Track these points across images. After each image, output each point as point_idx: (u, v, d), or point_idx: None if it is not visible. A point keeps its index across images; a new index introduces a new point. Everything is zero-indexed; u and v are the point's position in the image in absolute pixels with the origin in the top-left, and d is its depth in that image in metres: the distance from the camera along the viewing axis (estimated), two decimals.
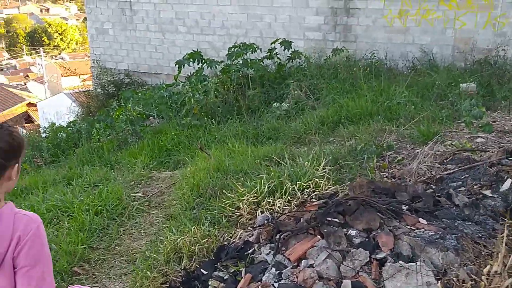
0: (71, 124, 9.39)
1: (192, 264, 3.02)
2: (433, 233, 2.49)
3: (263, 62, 8.63)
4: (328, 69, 8.10)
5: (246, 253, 2.88)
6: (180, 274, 2.97)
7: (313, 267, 2.34)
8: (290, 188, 3.45)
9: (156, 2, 11.39)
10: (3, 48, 54.30)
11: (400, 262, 2.27)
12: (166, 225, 3.68)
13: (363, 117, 5.68)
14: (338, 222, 2.59)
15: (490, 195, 3.01)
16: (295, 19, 10.00)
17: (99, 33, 12.46)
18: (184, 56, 8.76)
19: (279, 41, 8.83)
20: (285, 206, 3.32)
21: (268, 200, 3.40)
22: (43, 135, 9.60)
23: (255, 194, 3.50)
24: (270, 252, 2.71)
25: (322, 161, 3.77)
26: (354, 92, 6.69)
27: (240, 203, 3.49)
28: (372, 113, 5.75)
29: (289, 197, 3.39)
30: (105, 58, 12.47)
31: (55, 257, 3.23)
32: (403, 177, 3.91)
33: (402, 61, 8.82)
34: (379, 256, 2.35)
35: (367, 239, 2.47)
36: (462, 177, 3.51)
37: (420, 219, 2.64)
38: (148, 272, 2.98)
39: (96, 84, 12.30)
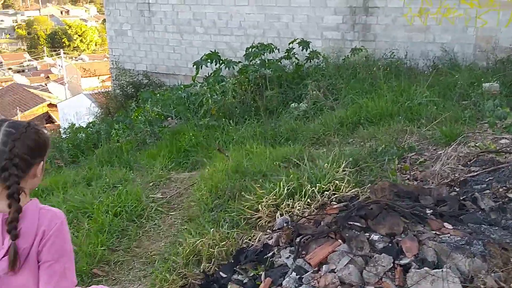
0: (91, 124, 9.50)
1: (211, 267, 3.00)
2: (459, 238, 2.41)
3: (281, 63, 8.59)
4: (346, 69, 8.02)
5: (266, 256, 2.84)
6: (199, 277, 2.96)
7: (335, 272, 2.29)
8: (310, 191, 3.40)
9: (174, 3, 11.45)
10: (24, 49, 55.45)
11: (425, 268, 2.21)
12: (185, 227, 3.67)
13: (383, 118, 5.58)
14: (360, 227, 2.54)
15: None
16: (313, 19, 9.92)
17: (118, 35, 12.59)
18: (201, 57, 8.77)
19: (297, 41, 8.78)
20: (305, 208, 3.28)
21: (287, 202, 3.36)
22: (63, 136, 9.74)
23: (274, 197, 3.46)
24: (290, 256, 2.67)
25: (342, 163, 3.71)
26: (373, 92, 6.60)
27: (259, 205, 3.45)
28: (392, 113, 5.65)
29: (308, 200, 3.34)
30: (124, 59, 12.59)
31: (75, 258, 3.24)
32: (425, 180, 3.83)
33: (422, 61, 8.67)
34: (403, 262, 2.28)
35: (390, 244, 2.40)
36: (487, 180, 3.41)
37: (445, 224, 2.56)
38: (167, 275, 2.97)
39: (115, 85, 12.43)
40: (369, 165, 3.98)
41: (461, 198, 3.01)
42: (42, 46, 52.55)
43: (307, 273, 2.40)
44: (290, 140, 5.77)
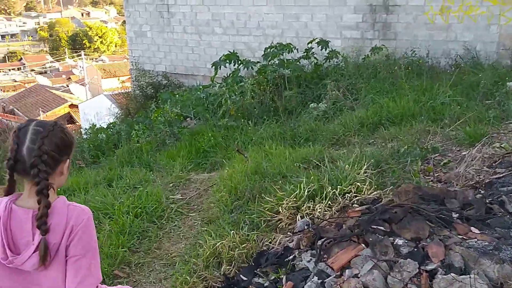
0: (111, 125, 9.60)
1: (231, 270, 2.98)
2: (486, 243, 2.34)
3: (300, 62, 8.53)
4: (367, 68, 7.91)
5: (286, 259, 2.81)
6: (219, 279, 2.94)
7: (358, 278, 2.24)
8: (331, 193, 3.35)
9: (193, 4, 11.50)
10: (46, 51, 56.52)
11: (452, 274, 2.14)
12: (205, 228, 3.66)
13: (405, 118, 5.49)
14: (384, 231, 2.48)
15: None
16: (332, 18, 9.84)
17: (138, 36, 12.70)
18: (220, 57, 8.78)
19: (316, 40, 8.71)
20: (326, 211, 3.23)
21: (308, 204, 3.31)
22: (84, 136, 9.86)
23: (294, 199, 3.42)
24: (311, 259, 2.63)
25: (364, 164, 3.64)
26: (394, 92, 6.49)
27: (279, 207, 3.42)
28: (414, 113, 5.55)
29: (329, 202, 3.29)
30: (144, 60, 12.70)
31: None
32: (449, 181, 3.74)
33: (444, 59, 8.51)
34: (429, 267, 2.22)
35: (415, 249, 2.34)
36: None
37: (472, 228, 2.49)
38: (188, 277, 2.97)
39: (134, 86, 12.55)
40: (391, 166, 3.90)
41: (488, 201, 2.92)
42: (64, 47, 53.49)
43: (329, 278, 2.36)
44: (310, 141, 5.71)
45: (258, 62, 8.69)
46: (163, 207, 4.17)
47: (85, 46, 52.06)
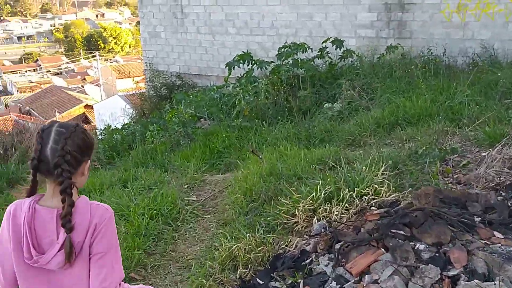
0: (126, 126, 9.65)
1: (247, 273, 2.95)
2: (511, 248, 2.27)
3: (314, 62, 8.47)
4: (382, 67, 7.82)
5: (303, 263, 2.77)
6: (235, 283, 2.92)
7: (378, 283, 2.19)
8: (348, 195, 3.30)
9: (206, 5, 11.50)
10: (62, 52, 57.24)
11: (475, 280, 2.08)
12: (220, 230, 3.64)
13: (422, 118, 5.39)
14: (404, 235, 2.42)
15: None
16: (346, 17, 9.75)
17: (152, 37, 12.76)
18: (234, 57, 8.76)
19: (331, 40, 8.63)
20: (343, 214, 3.18)
21: (324, 207, 3.27)
22: (99, 137, 9.94)
23: (310, 201, 3.38)
24: (329, 263, 2.59)
25: (382, 166, 3.58)
26: (411, 91, 6.40)
27: (295, 209, 3.38)
28: (432, 113, 5.45)
29: (346, 205, 3.24)
30: (157, 61, 12.75)
31: None
32: (469, 183, 3.66)
33: (461, 58, 8.37)
34: (451, 273, 2.16)
35: (437, 254, 2.28)
36: None
37: (495, 233, 2.42)
38: (204, 280, 2.94)
39: (149, 87, 12.61)
40: (409, 168, 3.83)
41: (510, 204, 2.84)
42: (79, 49, 54.10)
43: (348, 283, 2.31)
44: (325, 142, 5.66)
45: (272, 62, 8.65)
46: (178, 208, 4.16)
47: (99, 47, 52.59)
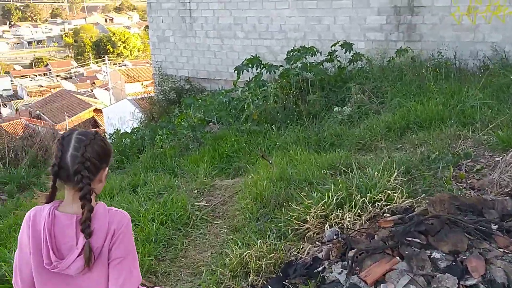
0: (135, 130, 9.67)
1: (259, 280, 2.91)
2: None
3: (323, 66, 8.43)
4: (392, 71, 7.76)
5: (316, 270, 2.73)
6: None
7: None
8: (360, 201, 3.26)
9: (215, 9, 11.52)
10: (71, 57, 57.77)
11: None
12: (231, 236, 3.61)
13: (434, 122, 5.34)
14: (420, 243, 2.37)
15: None
16: (355, 20, 9.71)
17: (161, 41, 12.80)
18: (243, 61, 8.75)
19: (340, 43, 8.59)
20: (355, 220, 3.13)
21: (336, 213, 3.22)
22: (109, 141, 9.96)
23: (322, 207, 3.34)
24: (342, 271, 2.55)
25: (394, 171, 3.53)
26: (422, 95, 6.34)
27: (307, 215, 3.34)
28: (443, 117, 5.39)
29: (359, 211, 3.20)
30: (166, 65, 12.78)
31: None
32: (483, 189, 3.60)
33: (472, 61, 8.29)
34: (469, 282, 2.11)
35: (454, 263, 2.23)
36: None
37: None
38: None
39: (158, 91, 12.64)
40: (421, 173, 3.78)
41: None
42: (88, 53, 54.54)
43: None
44: (335, 146, 5.62)
45: (280, 66, 8.63)
46: (188, 214, 4.14)
47: (108, 51, 53.00)
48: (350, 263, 2.48)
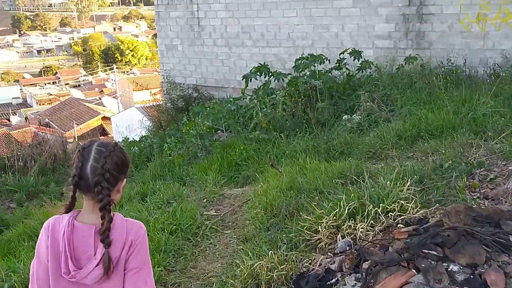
0: (144, 138, 9.68)
1: None
2: None
3: (331, 73, 8.40)
4: (401, 78, 7.71)
5: (329, 282, 2.68)
6: None
7: None
8: (373, 211, 3.20)
9: (223, 17, 11.56)
10: (80, 65, 58.28)
11: None
12: (241, 247, 3.57)
13: (445, 130, 5.27)
14: (437, 255, 2.32)
15: None
16: (363, 28, 9.69)
17: (169, 49, 12.86)
18: (251, 69, 8.75)
19: (348, 51, 8.57)
20: (368, 231, 3.08)
21: (348, 224, 3.17)
22: None
23: (334, 217, 3.29)
24: (356, 284, 2.50)
25: (407, 180, 3.48)
26: (432, 103, 6.28)
27: (318, 226, 3.29)
28: (455, 125, 5.33)
29: (371, 221, 3.14)
30: (175, 73, 12.83)
31: None
32: (497, 199, 3.53)
33: (482, 68, 8.22)
34: None
35: (472, 276, 2.17)
36: None
37: None
38: None
39: (166, 99, 12.68)
40: (434, 183, 3.72)
41: None
42: (97, 61, 55.01)
43: None
44: (345, 154, 5.57)
45: (289, 74, 8.62)
46: (198, 223, 4.11)
47: (117, 59, 53.43)
48: (364, 276, 2.43)
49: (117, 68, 39.58)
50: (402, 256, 2.41)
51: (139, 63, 55.33)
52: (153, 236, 3.82)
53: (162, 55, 13.19)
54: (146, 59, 57.16)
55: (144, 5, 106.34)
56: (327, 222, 3.26)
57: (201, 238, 3.94)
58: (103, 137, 23.21)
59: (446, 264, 2.27)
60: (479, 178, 3.95)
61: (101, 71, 50.78)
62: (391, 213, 3.16)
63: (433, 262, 2.28)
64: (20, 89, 43.48)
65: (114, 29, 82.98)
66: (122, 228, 1.74)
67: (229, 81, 11.83)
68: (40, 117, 28.80)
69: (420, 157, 4.74)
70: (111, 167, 1.71)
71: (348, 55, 8.55)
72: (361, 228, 3.09)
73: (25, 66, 63.35)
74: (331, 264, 2.88)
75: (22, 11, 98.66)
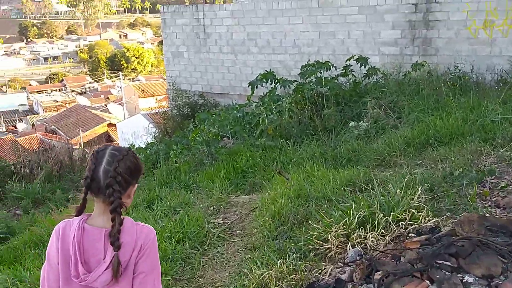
0: (150, 145, 9.68)
1: None
2: None
3: (337, 80, 8.38)
4: (408, 85, 7.67)
5: None
6: None
7: None
8: (383, 220, 3.16)
9: (228, 24, 11.59)
10: (86, 72, 58.65)
11: None
12: (249, 256, 3.53)
13: (454, 137, 5.22)
14: (451, 266, 2.27)
15: None
16: (369, 35, 9.67)
17: (175, 57, 12.90)
18: (257, 76, 8.74)
19: (355, 57, 8.55)
20: (379, 240, 3.03)
21: (358, 233, 3.13)
22: None
23: (343, 226, 3.24)
24: None
25: (418, 188, 3.43)
26: (440, 110, 6.23)
27: (328, 235, 3.24)
28: (464, 132, 5.27)
29: (382, 230, 3.10)
30: (180, 80, 12.85)
31: None
32: (509, 207, 3.47)
33: (489, 75, 8.17)
34: None
35: None
36: None
37: None
38: None
39: (172, 106, 12.69)
40: (445, 191, 3.67)
41: None
42: (103, 68, 55.33)
43: None
44: (352, 161, 5.52)
45: (295, 80, 8.60)
46: (205, 232, 4.07)
47: (122, 66, 53.72)
48: (376, 286, 2.38)
49: (123, 75, 39.78)
50: (415, 266, 2.36)
51: (144, 70, 55.59)
52: (160, 245, 3.78)
53: (168, 62, 13.22)
54: (152, 66, 57.44)
55: (150, 13, 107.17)
56: (336, 231, 3.22)
57: (208, 246, 3.90)
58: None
59: (460, 275, 2.22)
60: (489, 186, 3.89)
61: (107, 78, 51.04)
62: (402, 222, 3.11)
63: (447, 273, 2.23)
64: (27, 96, 43.78)
65: (120, 36, 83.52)
66: (132, 231, 1.74)
67: (235, 88, 11.83)
68: (47, 124, 28.94)
69: (429, 164, 4.69)
70: (124, 171, 1.72)
71: (355, 61, 8.53)
72: (372, 237, 3.05)
73: (32, 73, 63.82)
74: (341, 274, 2.84)
75: (29, 19, 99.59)
